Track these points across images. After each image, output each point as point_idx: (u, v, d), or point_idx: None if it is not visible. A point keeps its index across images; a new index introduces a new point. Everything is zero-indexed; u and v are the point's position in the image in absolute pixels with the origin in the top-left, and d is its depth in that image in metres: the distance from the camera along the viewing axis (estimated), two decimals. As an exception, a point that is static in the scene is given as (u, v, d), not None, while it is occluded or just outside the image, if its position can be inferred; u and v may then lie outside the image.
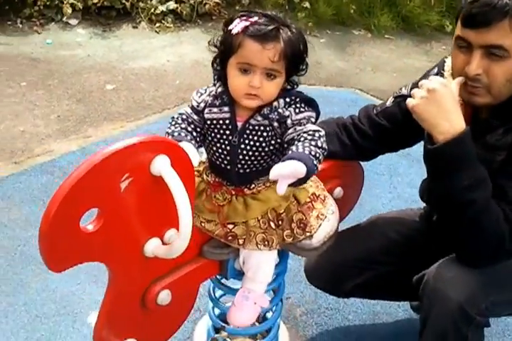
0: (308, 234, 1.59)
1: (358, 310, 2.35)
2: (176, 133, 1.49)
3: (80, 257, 1.30)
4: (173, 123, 1.53)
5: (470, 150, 1.51)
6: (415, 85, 1.82)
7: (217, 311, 1.86)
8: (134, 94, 3.90)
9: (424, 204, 2.02)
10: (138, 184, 1.30)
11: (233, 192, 1.54)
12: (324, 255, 1.96)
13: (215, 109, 1.51)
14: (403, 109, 1.83)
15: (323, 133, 1.44)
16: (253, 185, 1.53)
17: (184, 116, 1.53)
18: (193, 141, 1.48)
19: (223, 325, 1.83)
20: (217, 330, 1.92)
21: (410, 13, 5.18)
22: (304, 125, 1.45)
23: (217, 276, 1.74)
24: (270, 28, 1.40)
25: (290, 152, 1.39)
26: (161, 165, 1.29)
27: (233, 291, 1.69)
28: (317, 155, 1.39)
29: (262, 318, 1.88)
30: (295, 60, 1.46)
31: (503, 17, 1.45)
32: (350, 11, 5.11)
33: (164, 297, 1.50)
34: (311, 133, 1.42)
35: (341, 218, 1.93)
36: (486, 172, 1.52)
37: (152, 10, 4.82)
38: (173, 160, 1.32)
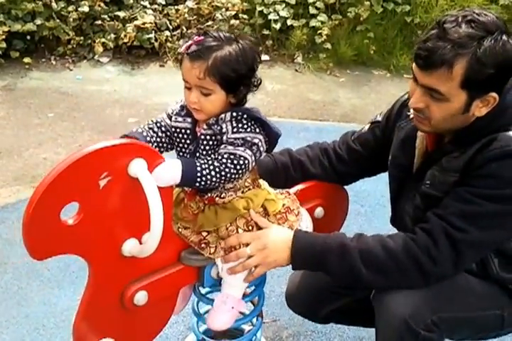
0: None
1: (343, 334, 2.39)
2: (139, 130, 1.60)
3: (60, 248, 1.39)
4: (146, 123, 1.63)
5: (313, 255, 1.64)
6: (389, 112, 1.93)
7: (202, 328, 1.91)
8: (155, 127, 4.09)
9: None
10: (117, 184, 1.39)
11: (206, 202, 1.62)
12: (302, 281, 2.05)
13: (179, 118, 1.60)
14: (376, 136, 1.95)
15: (242, 161, 1.50)
16: (224, 194, 1.61)
17: (159, 120, 1.63)
18: (153, 139, 1.58)
19: (204, 337, 1.90)
20: None
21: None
22: (236, 146, 1.51)
23: (200, 290, 1.80)
24: (203, 47, 1.48)
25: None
26: (138, 168, 1.39)
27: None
28: (211, 168, 1.48)
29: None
30: (227, 78, 1.49)
31: (441, 65, 1.50)
32: (370, 52, 5.22)
33: (141, 297, 1.56)
34: (226, 156, 1.50)
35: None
36: (338, 246, 1.64)
37: (179, 50, 5.05)
38: (150, 164, 1.42)
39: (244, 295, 1.76)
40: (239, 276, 1.67)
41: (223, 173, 1.50)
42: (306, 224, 1.81)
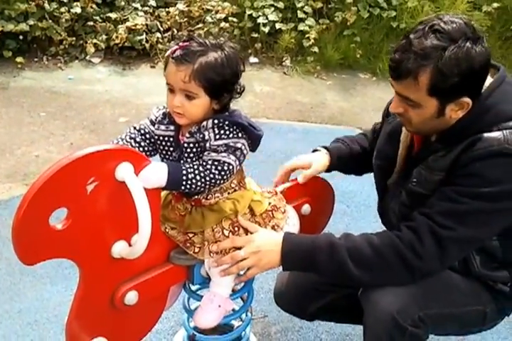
0: None
1: (330, 330, 2.41)
2: (120, 142, 1.59)
3: (49, 253, 1.39)
4: (127, 131, 1.62)
5: (303, 256, 1.67)
6: (384, 110, 1.96)
7: (192, 324, 1.89)
8: (145, 127, 4.09)
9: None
10: (104, 188, 1.39)
11: (192, 203, 1.62)
12: (290, 278, 2.06)
13: (162, 127, 1.59)
14: (375, 132, 2.01)
15: (227, 167, 1.51)
16: (210, 196, 1.61)
17: (142, 126, 1.62)
18: (136, 148, 1.57)
19: (194, 332, 1.90)
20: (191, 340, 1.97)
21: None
22: (219, 152, 1.51)
23: (190, 287, 1.80)
24: (187, 51, 1.48)
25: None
26: (125, 172, 1.39)
27: None
28: (196, 172, 1.48)
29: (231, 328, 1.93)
30: (212, 82, 1.49)
31: (407, 76, 1.54)
32: (356, 56, 5.26)
33: (131, 297, 1.56)
34: (211, 162, 1.51)
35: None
36: (326, 245, 1.66)
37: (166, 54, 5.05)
38: (137, 168, 1.42)
39: (234, 292, 1.77)
40: (227, 277, 1.68)
41: (208, 179, 1.51)
42: (293, 222, 1.83)
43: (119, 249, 1.48)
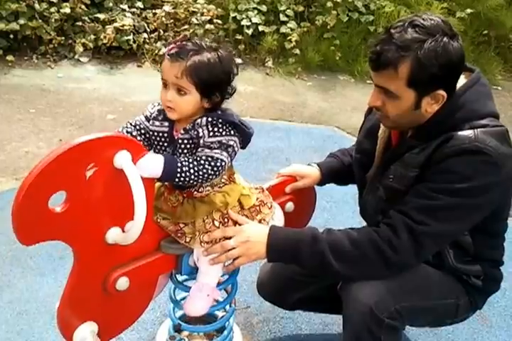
0: None
1: (310, 320, 2.42)
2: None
3: (46, 234, 1.39)
4: (124, 126, 1.63)
5: (287, 248, 1.68)
6: (366, 112, 1.98)
7: (178, 314, 1.92)
8: (132, 124, 4.09)
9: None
10: (103, 174, 1.40)
11: (184, 195, 1.64)
12: (272, 269, 2.08)
13: (157, 123, 1.61)
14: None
15: (219, 163, 1.53)
16: (201, 189, 1.63)
17: (137, 122, 1.63)
18: None
19: (180, 322, 1.91)
20: (177, 330, 1.96)
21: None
22: (213, 149, 1.53)
23: (177, 278, 1.81)
24: (183, 49, 1.50)
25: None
26: (123, 159, 1.40)
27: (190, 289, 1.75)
28: (190, 166, 1.50)
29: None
30: (203, 81, 1.51)
31: (387, 66, 1.57)
32: (336, 58, 5.29)
33: (122, 283, 1.57)
34: (204, 158, 1.52)
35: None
36: (309, 238, 1.68)
37: (156, 51, 5.05)
38: (134, 156, 1.43)
39: (219, 284, 1.78)
40: (215, 267, 1.70)
41: (201, 173, 1.52)
42: (278, 218, 1.85)
43: (114, 234, 1.48)
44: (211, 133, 1.53)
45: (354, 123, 4.35)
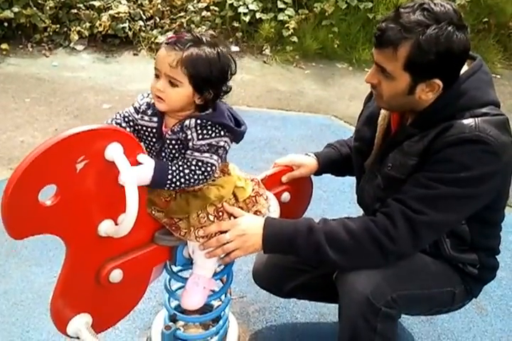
0: None
1: (306, 310, 2.43)
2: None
3: (37, 228, 1.38)
4: (113, 117, 1.60)
5: (283, 239, 1.68)
6: (366, 99, 1.97)
7: (173, 304, 1.92)
8: (128, 113, 4.07)
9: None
10: (93, 167, 1.38)
11: (177, 189, 1.61)
12: (268, 257, 2.08)
13: (146, 117, 1.57)
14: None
15: (210, 168, 1.52)
16: None
17: (126, 114, 1.59)
18: None
19: (175, 312, 1.92)
20: (173, 320, 1.96)
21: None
22: (202, 152, 1.50)
23: (172, 268, 1.80)
24: (182, 40, 1.47)
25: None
26: (114, 152, 1.38)
27: (185, 280, 1.75)
28: (181, 175, 1.49)
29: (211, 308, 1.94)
30: (198, 74, 1.47)
31: (388, 45, 1.56)
32: (334, 46, 5.25)
33: (116, 275, 1.56)
34: (194, 163, 1.50)
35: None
36: (305, 231, 1.67)
37: (152, 39, 5.02)
38: (126, 148, 1.41)
39: (215, 273, 1.78)
40: (210, 259, 1.70)
41: (192, 180, 1.51)
42: (273, 208, 1.84)
43: (106, 227, 1.48)
44: (200, 136, 1.50)
45: (352, 112, 4.33)
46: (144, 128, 1.58)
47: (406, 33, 1.53)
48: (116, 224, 1.49)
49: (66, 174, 1.35)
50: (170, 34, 1.55)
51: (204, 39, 1.50)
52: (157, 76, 1.51)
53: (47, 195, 1.38)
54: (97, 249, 1.51)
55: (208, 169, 1.52)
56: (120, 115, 1.60)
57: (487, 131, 1.57)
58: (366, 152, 1.87)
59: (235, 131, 1.54)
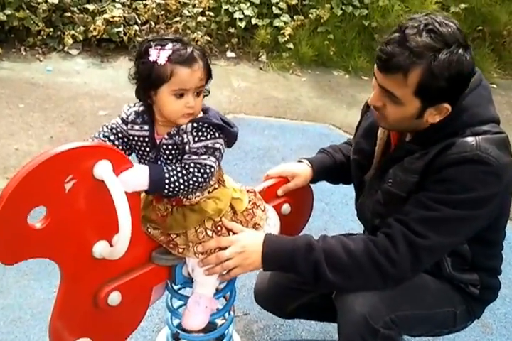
0: None
1: (311, 328, 2.41)
2: (95, 140, 1.54)
3: (28, 253, 1.34)
4: (100, 130, 1.57)
5: (282, 256, 1.65)
6: (363, 107, 1.94)
7: (175, 322, 1.89)
8: (124, 120, 4.01)
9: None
10: (83, 186, 1.34)
11: (173, 204, 1.59)
12: (269, 277, 2.06)
13: (136, 127, 1.54)
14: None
15: (209, 169, 1.50)
16: (190, 195, 1.58)
17: (114, 126, 1.57)
18: None
19: (178, 331, 1.88)
20: (175, 339, 1.94)
21: (385, 56, 5.33)
22: (200, 155, 1.49)
23: (173, 286, 1.78)
24: (189, 51, 1.45)
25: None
26: (103, 170, 1.34)
27: (188, 299, 1.72)
28: (179, 175, 1.46)
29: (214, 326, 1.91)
30: (210, 73, 1.51)
31: (397, 71, 1.51)
32: (330, 53, 5.23)
33: (114, 298, 1.53)
34: (193, 165, 1.48)
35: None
36: (304, 251, 1.64)
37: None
38: (115, 166, 1.37)
39: (217, 291, 1.76)
40: (211, 277, 1.67)
41: (191, 182, 1.49)
42: (273, 222, 1.81)
43: (100, 249, 1.44)
44: (196, 139, 1.49)
45: (350, 121, 4.32)
46: (136, 138, 1.55)
47: (416, 58, 1.49)
48: (111, 244, 1.45)
49: (55, 195, 1.31)
50: (157, 52, 1.47)
51: (183, 39, 1.50)
52: (181, 95, 1.47)
53: (36, 216, 1.34)
54: (92, 271, 1.48)
55: (207, 171, 1.50)
56: (107, 127, 1.57)
57: (488, 150, 1.55)
58: (366, 165, 1.84)
59: (230, 131, 1.54)
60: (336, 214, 3.19)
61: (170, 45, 1.46)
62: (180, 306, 1.88)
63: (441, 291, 1.76)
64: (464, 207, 1.57)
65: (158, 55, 1.44)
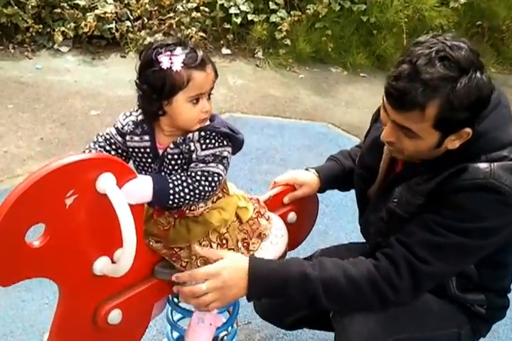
0: (252, 252, 1.60)
1: (314, 336, 2.35)
2: (92, 151, 1.48)
3: (26, 273, 1.27)
4: (95, 140, 1.50)
5: (272, 286, 1.53)
6: (374, 115, 1.84)
7: (175, 334, 1.84)
8: (117, 120, 3.91)
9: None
10: (84, 201, 1.27)
11: (176, 216, 1.51)
12: None
13: (136, 138, 1.47)
14: None
15: (217, 178, 1.43)
16: (194, 206, 1.50)
17: (108, 136, 1.50)
18: None
19: (180, 346, 1.82)
20: None
21: (384, 52, 5.26)
22: (208, 163, 1.43)
23: (174, 300, 1.70)
24: (199, 54, 1.40)
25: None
26: (106, 183, 1.27)
27: (189, 313, 1.66)
28: (184, 185, 1.39)
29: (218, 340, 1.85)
30: (217, 72, 1.47)
31: (413, 108, 1.41)
32: (328, 50, 5.15)
33: (115, 316, 1.46)
34: (200, 173, 1.42)
35: (296, 244, 1.97)
36: (297, 275, 1.53)
37: (141, 41, 4.84)
38: (119, 178, 1.30)
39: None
40: None
41: (197, 191, 1.41)
42: (281, 233, 1.74)
43: (101, 265, 1.37)
44: (204, 146, 1.44)
45: (348, 120, 4.25)
46: (136, 149, 1.47)
47: (432, 92, 1.38)
48: (112, 260, 1.38)
49: (54, 211, 1.24)
50: (169, 59, 1.39)
51: (186, 41, 1.44)
52: (197, 100, 1.42)
53: (34, 234, 1.26)
54: (92, 288, 1.40)
55: (215, 179, 1.43)
56: (102, 137, 1.50)
57: (502, 179, 1.46)
58: (369, 180, 1.76)
59: (236, 138, 1.48)
60: (337, 215, 3.13)
61: (179, 50, 1.38)
62: (181, 319, 1.81)
63: (445, 312, 1.69)
64: (472, 236, 1.50)
65: (171, 62, 1.37)
